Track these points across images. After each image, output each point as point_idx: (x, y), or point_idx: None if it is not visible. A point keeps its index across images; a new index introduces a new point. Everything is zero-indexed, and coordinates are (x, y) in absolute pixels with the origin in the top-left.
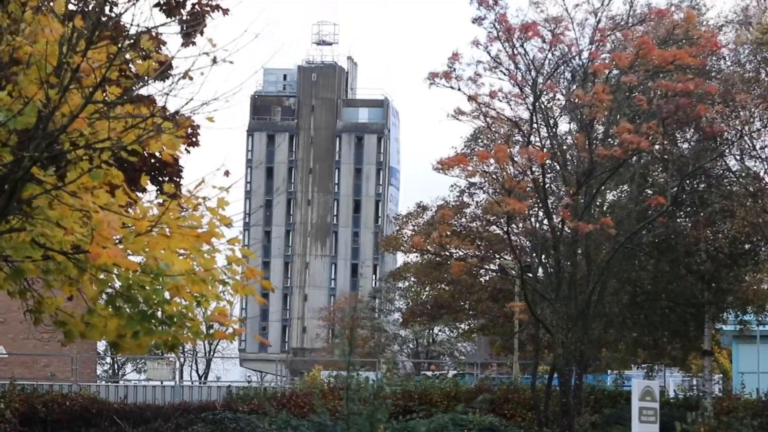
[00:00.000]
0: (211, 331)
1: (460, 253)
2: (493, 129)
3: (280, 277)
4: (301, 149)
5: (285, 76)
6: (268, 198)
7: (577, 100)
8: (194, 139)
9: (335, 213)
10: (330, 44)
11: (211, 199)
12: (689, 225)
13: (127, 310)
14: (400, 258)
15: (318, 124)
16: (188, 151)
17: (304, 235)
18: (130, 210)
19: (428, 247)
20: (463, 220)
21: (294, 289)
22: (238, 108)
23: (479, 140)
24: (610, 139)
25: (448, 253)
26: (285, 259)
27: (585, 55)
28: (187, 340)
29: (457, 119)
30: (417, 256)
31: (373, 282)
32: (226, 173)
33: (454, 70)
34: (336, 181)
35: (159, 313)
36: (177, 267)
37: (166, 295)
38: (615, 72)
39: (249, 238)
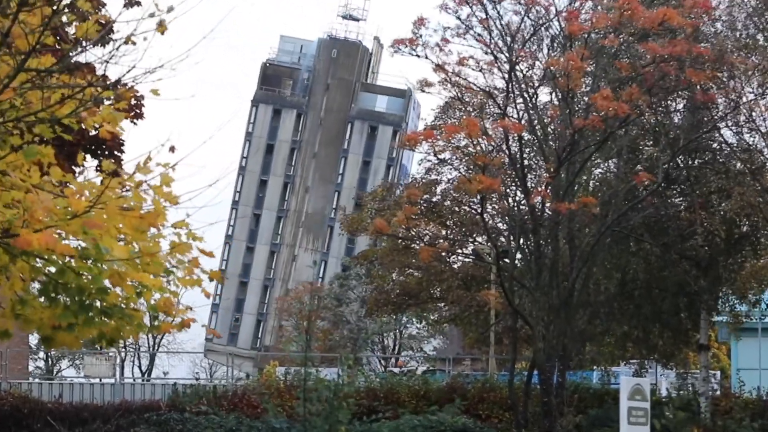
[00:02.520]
0: (156, 323)
1: (429, 235)
2: (465, 100)
3: (263, 267)
4: (307, 130)
5: (302, 47)
6: (263, 177)
7: (552, 68)
8: (138, 111)
9: (334, 206)
10: (357, 20)
11: (156, 177)
12: (683, 205)
13: (63, 300)
14: (364, 242)
15: (330, 105)
16: (135, 123)
17: (296, 225)
18: (65, 189)
19: (392, 230)
20: (434, 199)
21: (276, 282)
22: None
23: (450, 113)
24: (594, 112)
25: (415, 235)
26: (272, 247)
27: (564, 16)
28: (130, 333)
29: (424, 91)
30: (383, 240)
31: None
32: (172, 149)
33: (420, 36)
34: (341, 171)
35: (98, 304)
36: (117, 252)
37: (106, 283)
38: (596, 35)
39: (236, 218)
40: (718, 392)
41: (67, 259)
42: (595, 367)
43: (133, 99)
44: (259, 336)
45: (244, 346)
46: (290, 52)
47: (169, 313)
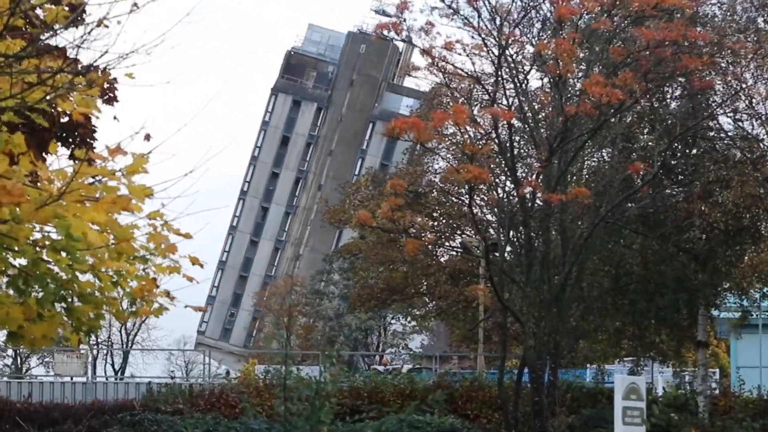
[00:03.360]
0: (134, 308)
1: (415, 228)
2: (453, 87)
3: (265, 263)
4: (326, 126)
5: (329, 39)
6: (275, 170)
7: (543, 53)
8: (111, 95)
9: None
10: (390, 16)
11: (128, 165)
12: (680, 196)
13: (35, 292)
14: (348, 234)
15: (353, 102)
16: (110, 104)
17: (305, 223)
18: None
19: (376, 222)
20: (420, 189)
21: (278, 280)
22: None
23: (436, 100)
24: (587, 99)
25: (400, 227)
26: (276, 244)
27: None
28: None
29: (411, 76)
30: (368, 233)
31: None
32: (147, 137)
33: (404, 20)
34: (356, 172)
35: (71, 294)
36: (90, 240)
37: (81, 273)
38: (588, 18)
39: (243, 209)
40: (717, 391)
41: (38, 248)
42: (588, 365)
43: (107, 84)
44: (253, 334)
45: (237, 343)
46: (317, 43)
47: (147, 298)
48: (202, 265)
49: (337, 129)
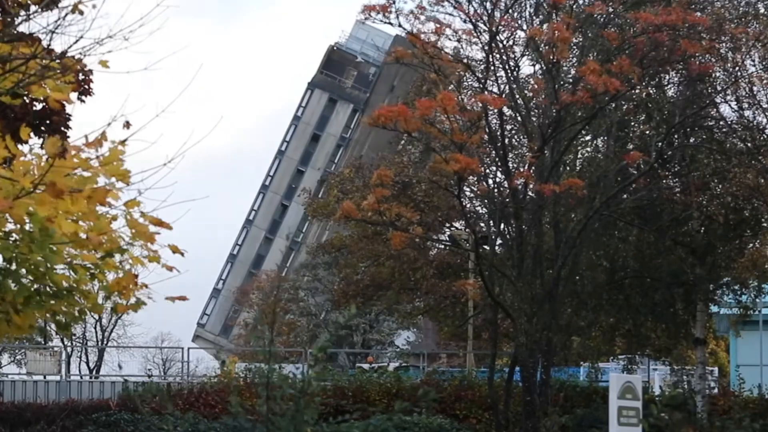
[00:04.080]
0: (110, 304)
1: (401, 220)
2: (442, 74)
3: (276, 262)
4: (359, 130)
5: (374, 39)
6: (301, 168)
7: (536, 38)
8: (86, 87)
9: None
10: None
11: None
12: (678, 188)
13: (11, 285)
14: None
15: None
16: (82, 100)
17: (323, 227)
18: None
19: (361, 215)
20: (407, 180)
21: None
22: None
23: (424, 87)
24: (582, 86)
25: (387, 220)
26: (291, 244)
27: None
28: (84, 312)
29: (400, 62)
30: (351, 227)
31: None
32: (126, 125)
33: (393, 2)
34: None
35: (47, 288)
36: (66, 231)
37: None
38: (582, 1)
39: (261, 203)
40: (716, 390)
41: (12, 242)
42: (582, 363)
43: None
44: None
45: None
46: (362, 41)
47: (125, 293)
48: (183, 254)
49: (369, 134)
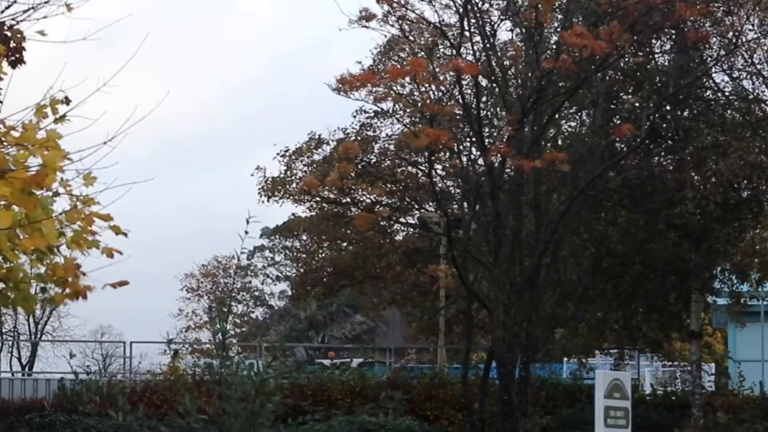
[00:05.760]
0: (45, 294)
1: (367, 201)
2: (412, 38)
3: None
4: None
5: None
6: None
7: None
8: (18, 56)
9: None
10: None
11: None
12: (671, 165)
13: None
14: (289, 209)
15: None
16: (16, 66)
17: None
18: None
19: (325, 191)
20: (372, 157)
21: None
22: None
23: (393, 53)
24: (565, 52)
25: (351, 200)
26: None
27: None
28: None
29: (366, 26)
30: (309, 207)
31: None
32: (66, 100)
33: None
34: None
35: None
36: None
37: None
38: None
39: None
40: (713, 387)
41: None
42: (566, 359)
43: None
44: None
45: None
46: None
47: (65, 283)
48: (126, 234)
49: None
